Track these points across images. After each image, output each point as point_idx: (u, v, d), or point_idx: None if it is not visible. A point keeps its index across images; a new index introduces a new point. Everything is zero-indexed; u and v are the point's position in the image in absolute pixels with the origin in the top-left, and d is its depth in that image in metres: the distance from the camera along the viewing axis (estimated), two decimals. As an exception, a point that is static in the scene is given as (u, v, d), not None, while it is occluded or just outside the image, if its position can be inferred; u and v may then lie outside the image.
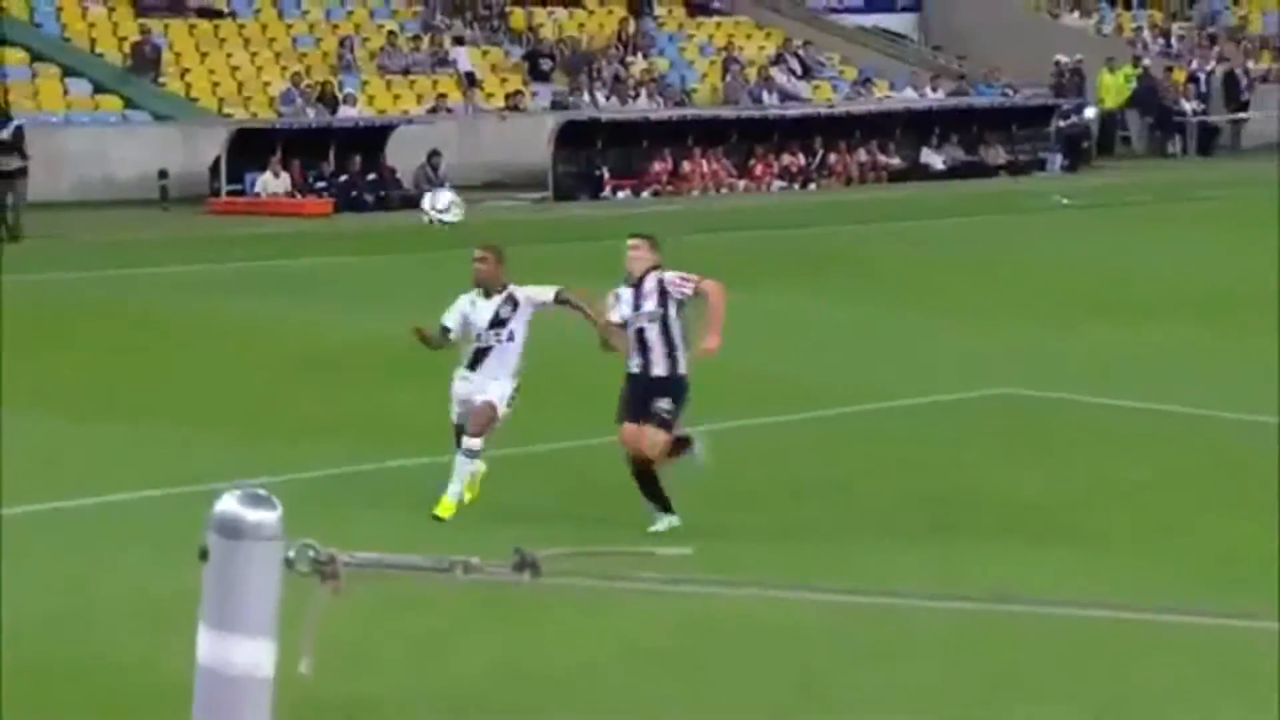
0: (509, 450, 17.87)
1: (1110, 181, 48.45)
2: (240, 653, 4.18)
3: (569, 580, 4.48)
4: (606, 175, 45.20)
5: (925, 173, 49.23)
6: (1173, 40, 59.26)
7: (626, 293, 15.99)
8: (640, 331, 15.79)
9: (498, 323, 16.43)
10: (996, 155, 50.57)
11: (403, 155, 43.54)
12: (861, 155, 48.90)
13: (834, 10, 57.04)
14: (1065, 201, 44.07)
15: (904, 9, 58.27)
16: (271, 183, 42.00)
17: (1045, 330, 27.13)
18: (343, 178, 43.14)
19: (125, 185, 41.11)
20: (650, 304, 15.77)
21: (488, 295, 16.58)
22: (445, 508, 16.19)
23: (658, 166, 46.01)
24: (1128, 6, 61.18)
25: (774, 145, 48.24)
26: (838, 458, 19.91)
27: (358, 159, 43.53)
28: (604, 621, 13.91)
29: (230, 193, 41.63)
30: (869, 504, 17.77)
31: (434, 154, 43.22)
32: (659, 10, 53.67)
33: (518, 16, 51.46)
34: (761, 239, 38.14)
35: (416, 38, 49.01)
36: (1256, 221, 41.05)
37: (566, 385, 20.83)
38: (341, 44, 47.65)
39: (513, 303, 16.45)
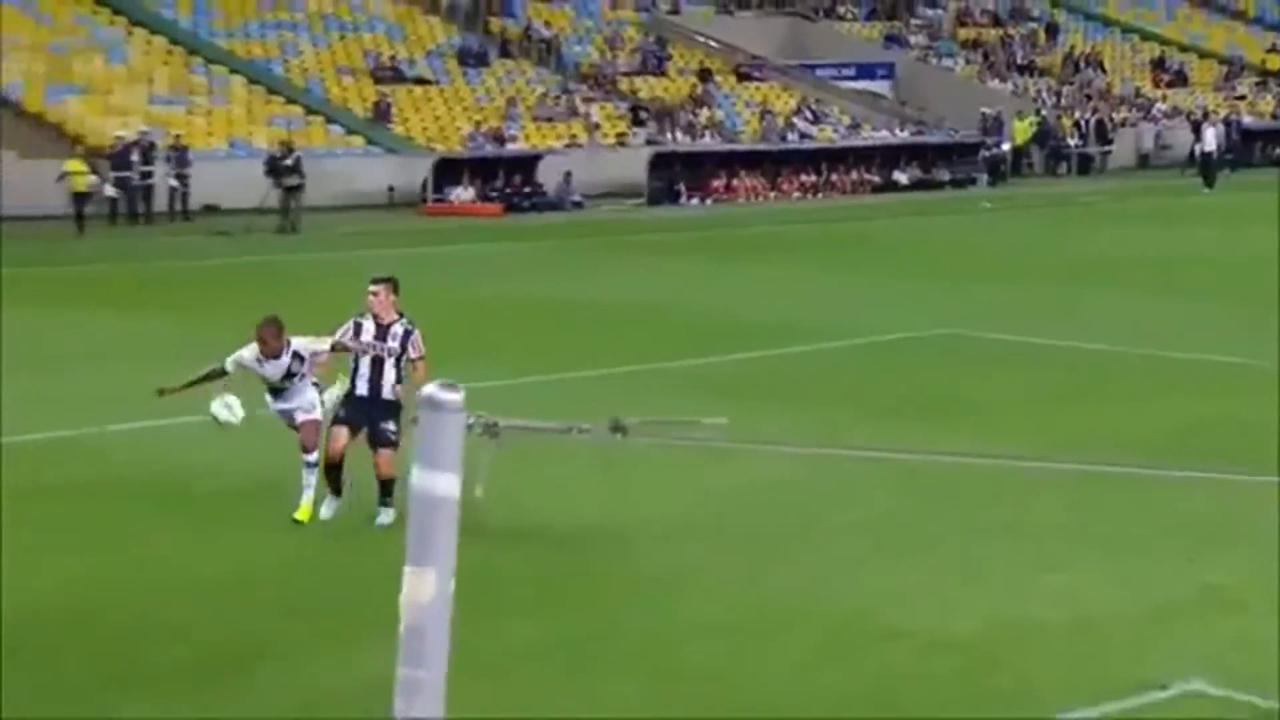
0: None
1: (1019, 192, 48.08)
2: (438, 482, 4.20)
3: (646, 439, 4.61)
4: (683, 188, 45.06)
5: (895, 186, 48.83)
6: (1062, 98, 58.66)
7: (370, 324, 12.84)
8: (379, 361, 12.66)
9: (289, 375, 12.91)
10: (943, 175, 50.13)
11: (548, 175, 43.49)
12: (853, 175, 48.59)
13: (835, 78, 56.54)
14: (988, 205, 43.73)
15: (882, 77, 57.65)
16: (461, 193, 42.01)
17: (976, 289, 27.05)
18: (508, 190, 43.10)
19: (366, 195, 41.19)
20: (394, 343, 12.65)
21: (276, 358, 12.84)
22: (303, 512, 12.76)
23: (716, 182, 45.81)
24: (1032, 75, 60.50)
25: (794, 168, 47.89)
26: (834, 373, 19.95)
27: (518, 177, 43.47)
28: (674, 473, 14.13)
29: (435, 200, 41.54)
30: (855, 402, 17.81)
31: (568, 174, 43.16)
32: (718, 78, 53.39)
33: (624, 83, 51.31)
34: (785, 230, 38.05)
35: (557, 97, 48.89)
36: (1115, 217, 40.94)
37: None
38: (508, 101, 47.60)
39: (299, 358, 12.89)
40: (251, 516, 13.09)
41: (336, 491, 12.64)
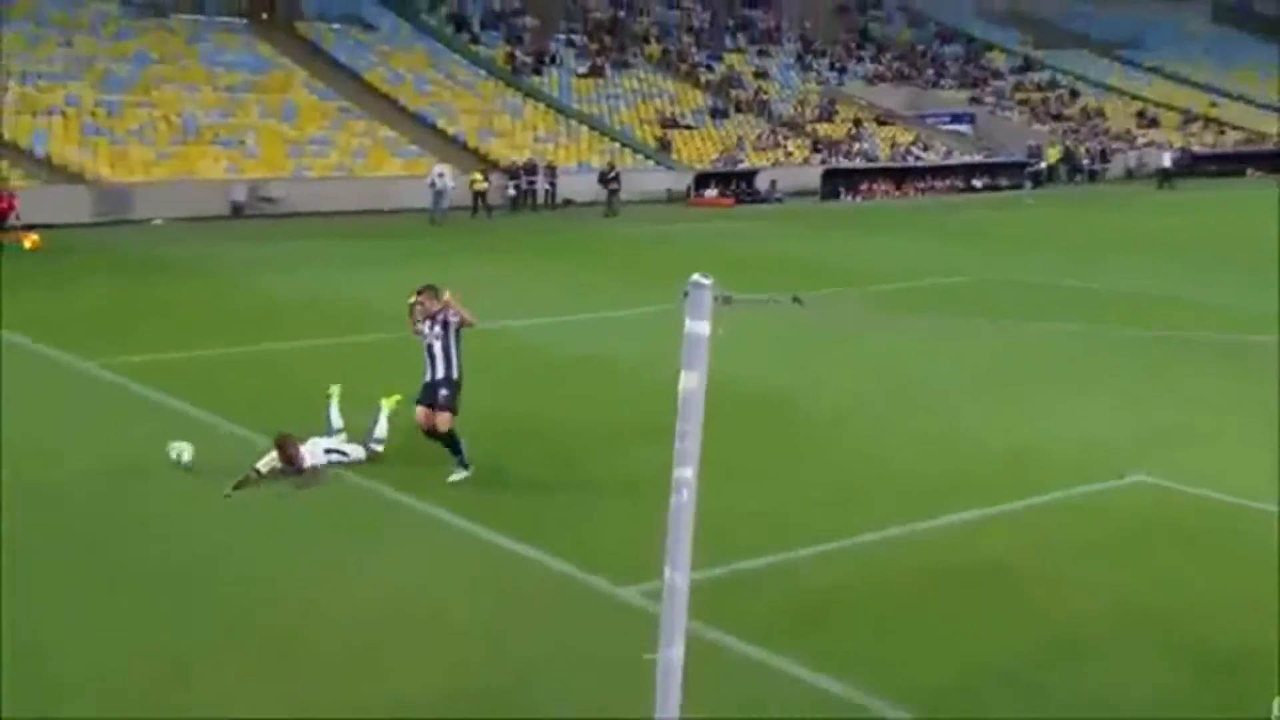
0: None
1: (1050, 194, 45.95)
2: (699, 327, 4.35)
3: (815, 310, 4.71)
4: (842, 190, 44.10)
5: (973, 189, 47.18)
6: (1079, 135, 55.88)
7: (425, 323, 9.77)
8: (430, 347, 9.76)
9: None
10: (1003, 182, 48.19)
11: (762, 182, 42.84)
12: (947, 182, 47.02)
13: (937, 123, 54.56)
14: (1031, 202, 41.97)
15: (967, 123, 55.41)
16: (710, 193, 41.74)
17: (1018, 252, 25.99)
18: (737, 191, 42.40)
19: (654, 194, 41.19)
20: (438, 329, 9.73)
21: (291, 464, 9.57)
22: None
23: (863, 187, 44.76)
24: (1060, 120, 57.62)
25: (912, 177, 46.53)
26: (928, 297, 18.88)
27: (744, 184, 42.87)
28: (832, 344, 13.85)
29: (695, 197, 41.28)
30: (980, 308, 16.86)
31: (773, 182, 42.44)
32: (865, 124, 51.95)
33: (809, 128, 50.19)
34: (904, 215, 36.90)
35: (768, 135, 48.19)
36: (1117, 205, 38.91)
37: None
38: (738, 138, 47.16)
39: (297, 463, 9.58)
40: (602, 376, 13.05)
41: (462, 464, 9.69)
